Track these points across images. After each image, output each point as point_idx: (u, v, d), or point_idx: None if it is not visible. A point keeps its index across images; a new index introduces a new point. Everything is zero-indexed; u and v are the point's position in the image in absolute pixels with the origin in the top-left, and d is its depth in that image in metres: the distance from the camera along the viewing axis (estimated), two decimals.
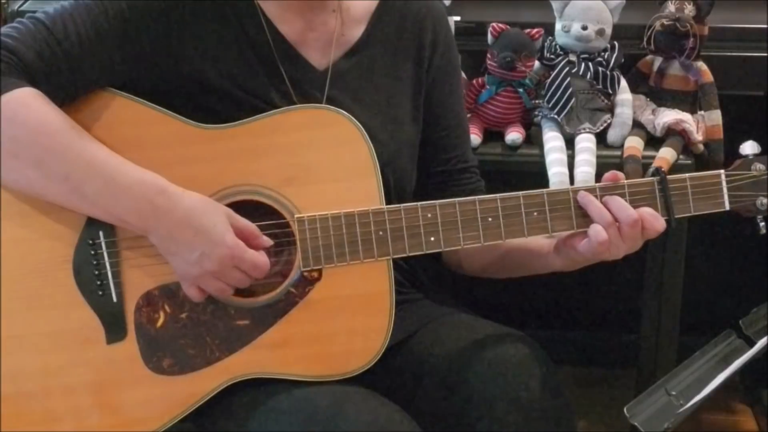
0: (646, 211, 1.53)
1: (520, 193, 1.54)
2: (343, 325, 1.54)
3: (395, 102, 1.67)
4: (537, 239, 1.62)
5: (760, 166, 1.56)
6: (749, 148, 1.58)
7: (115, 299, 1.52)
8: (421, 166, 1.73)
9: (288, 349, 1.54)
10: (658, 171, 1.57)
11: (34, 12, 1.54)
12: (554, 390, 1.54)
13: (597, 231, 1.51)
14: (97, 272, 1.51)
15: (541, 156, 2.06)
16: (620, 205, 1.52)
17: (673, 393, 1.59)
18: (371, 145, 1.53)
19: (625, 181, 1.55)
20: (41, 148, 1.45)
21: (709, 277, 2.69)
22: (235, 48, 1.59)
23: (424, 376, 1.60)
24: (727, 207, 1.57)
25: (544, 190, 1.55)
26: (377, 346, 1.54)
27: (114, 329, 1.52)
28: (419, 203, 1.53)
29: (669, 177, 1.55)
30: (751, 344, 1.59)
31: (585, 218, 1.54)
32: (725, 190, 1.56)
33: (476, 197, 1.54)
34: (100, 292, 1.51)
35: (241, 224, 1.49)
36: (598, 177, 1.63)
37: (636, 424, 1.57)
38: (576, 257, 1.57)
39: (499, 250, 1.69)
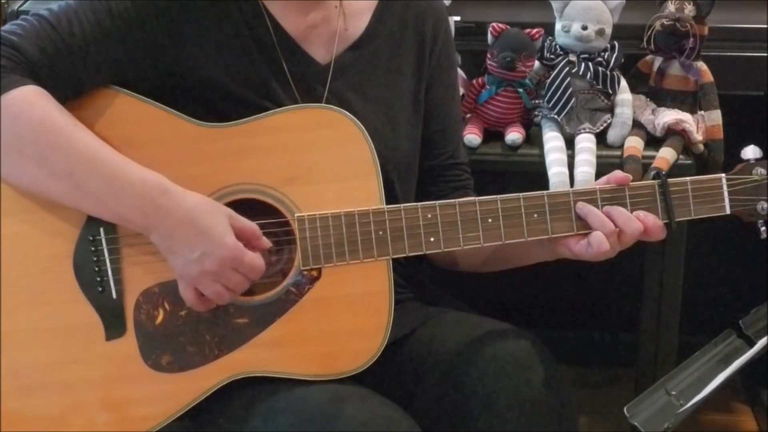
0: (652, 222, 1.53)
1: (521, 194, 1.54)
2: (342, 324, 1.54)
3: (398, 95, 1.68)
4: None
5: (761, 170, 1.56)
6: (750, 152, 1.58)
7: (114, 296, 1.52)
8: None
9: (287, 348, 1.54)
10: (659, 174, 1.57)
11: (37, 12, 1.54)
12: (556, 386, 1.53)
13: (600, 241, 1.52)
14: (97, 269, 1.51)
15: (541, 156, 2.05)
16: (626, 218, 1.52)
17: (673, 393, 1.59)
18: (373, 145, 1.53)
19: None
20: (45, 146, 1.46)
21: (709, 277, 2.68)
22: (238, 45, 1.59)
23: (425, 372, 1.60)
24: (728, 211, 1.56)
25: (545, 192, 1.55)
26: (376, 346, 1.54)
27: (113, 326, 1.52)
28: (419, 203, 1.54)
29: (670, 180, 1.55)
30: (751, 344, 1.59)
31: (585, 221, 1.54)
32: (726, 194, 1.56)
33: (476, 198, 1.54)
34: (100, 289, 1.51)
35: (243, 225, 1.49)
36: (598, 177, 1.62)
37: (636, 424, 1.56)
38: (565, 255, 1.57)
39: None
